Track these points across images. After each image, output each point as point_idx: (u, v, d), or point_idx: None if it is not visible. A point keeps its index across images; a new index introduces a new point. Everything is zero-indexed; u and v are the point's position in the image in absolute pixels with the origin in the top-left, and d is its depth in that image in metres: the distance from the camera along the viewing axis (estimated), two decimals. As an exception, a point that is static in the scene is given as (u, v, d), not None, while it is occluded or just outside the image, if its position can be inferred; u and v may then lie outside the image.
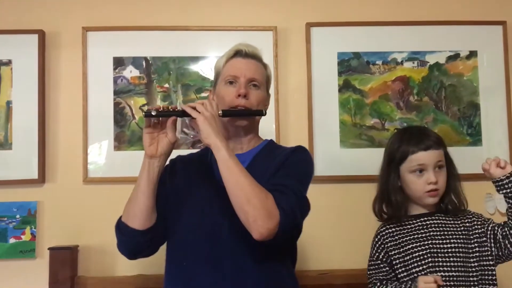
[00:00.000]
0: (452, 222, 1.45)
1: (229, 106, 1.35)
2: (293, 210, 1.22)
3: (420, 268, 1.39)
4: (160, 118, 1.30)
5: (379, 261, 1.47)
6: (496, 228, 1.43)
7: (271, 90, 1.96)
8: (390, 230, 1.48)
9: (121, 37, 1.99)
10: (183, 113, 1.27)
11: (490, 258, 1.40)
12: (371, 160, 1.99)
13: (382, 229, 1.50)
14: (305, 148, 1.41)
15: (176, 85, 1.99)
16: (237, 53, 1.41)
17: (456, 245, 1.40)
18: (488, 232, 1.43)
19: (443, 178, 1.45)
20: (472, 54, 2.04)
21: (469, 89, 2.04)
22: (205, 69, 1.99)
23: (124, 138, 1.97)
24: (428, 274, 1.37)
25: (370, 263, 1.50)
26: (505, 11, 2.07)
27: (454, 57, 2.04)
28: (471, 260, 1.39)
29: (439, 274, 1.36)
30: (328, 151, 1.99)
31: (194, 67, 2.00)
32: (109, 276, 1.90)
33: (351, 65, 2.02)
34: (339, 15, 2.05)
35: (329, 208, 1.96)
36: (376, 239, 1.50)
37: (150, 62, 2.00)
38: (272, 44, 1.99)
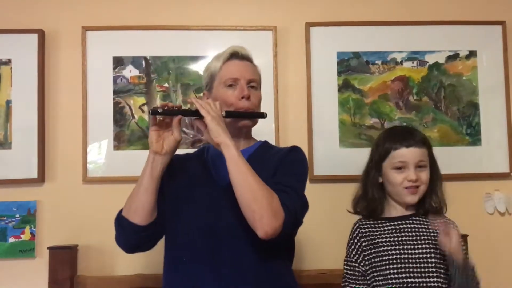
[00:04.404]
0: (426, 226, 1.42)
1: (234, 108, 1.37)
2: (296, 209, 1.27)
3: (391, 271, 1.37)
4: (167, 117, 1.31)
5: (356, 263, 1.46)
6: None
7: (271, 90, 1.99)
8: (364, 231, 1.48)
9: (120, 37, 1.99)
10: (189, 112, 1.30)
11: None
12: (370, 159, 2.00)
13: (357, 229, 1.49)
14: (300, 147, 1.43)
15: (175, 84, 2.00)
16: (233, 56, 1.41)
17: (428, 250, 1.37)
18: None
19: (424, 177, 1.43)
20: (472, 54, 2.04)
21: (469, 89, 2.04)
22: (205, 68, 2.00)
23: (124, 138, 1.97)
24: (398, 278, 1.36)
25: (346, 262, 1.49)
26: (505, 11, 2.08)
27: (454, 57, 2.04)
28: (443, 265, 1.36)
29: (409, 280, 1.35)
30: (328, 151, 1.99)
31: (194, 67, 2.00)
32: (109, 275, 1.91)
33: (350, 65, 2.02)
34: (339, 15, 2.05)
35: (329, 208, 1.96)
36: (352, 237, 1.50)
37: (150, 61, 2.00)
38: (272, 43, 1.99)
